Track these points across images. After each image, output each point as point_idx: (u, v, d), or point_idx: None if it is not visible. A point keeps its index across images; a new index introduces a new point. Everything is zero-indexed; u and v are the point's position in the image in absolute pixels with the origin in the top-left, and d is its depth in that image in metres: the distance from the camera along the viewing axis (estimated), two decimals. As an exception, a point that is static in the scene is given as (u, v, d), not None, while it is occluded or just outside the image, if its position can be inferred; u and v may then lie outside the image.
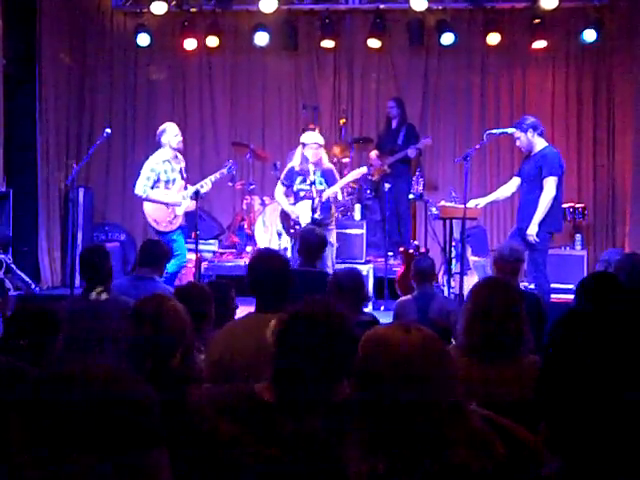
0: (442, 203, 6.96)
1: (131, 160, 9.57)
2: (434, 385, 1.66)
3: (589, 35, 8.82)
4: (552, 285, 6.79)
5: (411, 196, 7.92)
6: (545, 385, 1.42)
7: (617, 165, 9.24)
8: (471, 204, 6.55)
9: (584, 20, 8.99)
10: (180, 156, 7.11)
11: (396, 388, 1.65)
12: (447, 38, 8.99)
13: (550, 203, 6.15)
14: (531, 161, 6.36)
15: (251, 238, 8.53)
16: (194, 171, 7.31)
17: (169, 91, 9.95)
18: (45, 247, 8.69)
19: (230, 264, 8.55)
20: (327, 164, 7.35)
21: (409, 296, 5.21)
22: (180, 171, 7.05)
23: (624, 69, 9.07)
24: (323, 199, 7.04)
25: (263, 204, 8.70)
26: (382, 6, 9.23)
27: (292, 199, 7.41)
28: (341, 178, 8.30)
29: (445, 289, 6.96)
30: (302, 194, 7.27)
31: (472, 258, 7.98)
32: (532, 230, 6.12)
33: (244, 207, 8.93)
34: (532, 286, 6.23)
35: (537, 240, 6.10)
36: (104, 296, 4.05)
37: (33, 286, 7.91)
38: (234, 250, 8.98)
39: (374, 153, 9.02)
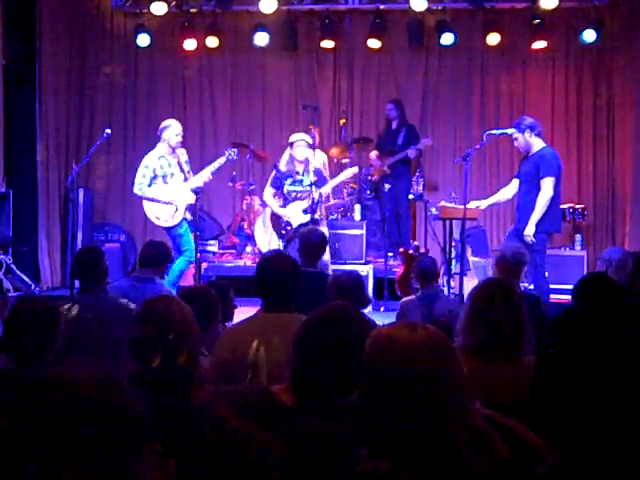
0: (442, 203, 6.96)
1: (131, 160, 9.56)
2: (440, 384, 1.66)
3: (589, 35, 8.82)
4: (552, 286, 6.79)
5: (411, 196, 7.93)
6: (540, 382, 1.43)
7: (617, 165, 9.25)
8: (472, 205, 6.55)
9: (584, 20, 8.99)
10: (181, 150, 7.11)
11: (402, 386, 1.65)
12: (447, 38, 8.99)
13: (548, 203, 6.14)
14: (529, 162, 6.36)
15: (251, 238, 8.53)
16: (194, 171, 7.29)
17: (169, 91, 9.95)
18: (45, 248, 8.70)
19: (230, 264, 8.55)
20: (315, 164, 7.37)
21: (413, 296, 5.21)
22: (179, 164, 7.04)
23: (624, 69, 9.07)
24: (316, 199, 7.06)
25: (263, 205, 8.67)
26: (382, 6, 9.23)
27: (281, 201, 7.42)
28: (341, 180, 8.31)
29: (445, 289, 6.96)
30: (293, 195, 7.28)
31: (472, 259, 7.98)
32: (529, 230, 6.12)
33: (244, 207, 8.93)
34: (531, 287, 6.23)
35: (534, 240, 6.09)
36: (74, 311, 3.99)
37: (33, 287, 7.91)
38: (234, 250, 8.99)
39: (374, 153, 9.02)
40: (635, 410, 1.33)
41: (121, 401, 1.29)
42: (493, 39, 9.08)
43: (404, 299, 5.36)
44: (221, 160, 7.16)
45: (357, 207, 8.84)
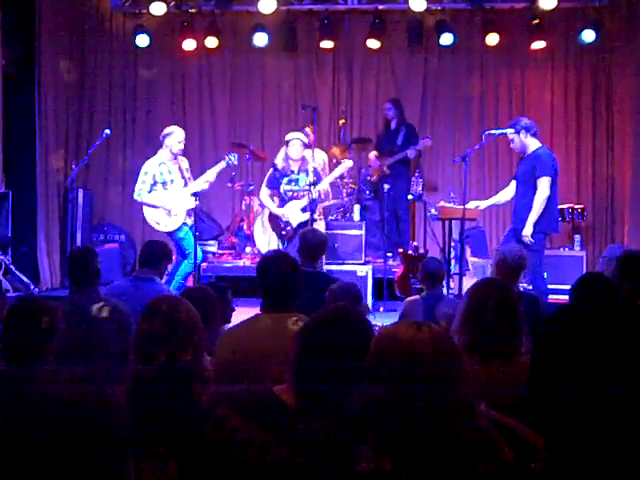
0: (441, 204, 6.96)
1: (130, 161, 9.58)
2: (444, 383, 1.67)
3: (588, 35, 8.81)
4: (551, 286, 6.79)
5: (410, 197, 7.92)
6: (534, 379, 1.43)
7: (616, 166, 9.25)
8: (471, 205, 6.55)
9: (583, 20, 8.99)
10: (181, 156, 7.12)
11: (406, 385, 1.65)
12: (446, 38, 8.99)
13: (544, 203, 6.14)
14: (525, 162, 6.37)
15: (250, 239, 8.53)
16: (193, 172, 7.30)
17: (168, 92, 9.95)
18: (44, 248, 8.69)
19: (229, 265, 8.55)
20: (311, 162, 7.39)
21: (417, 296, 5.23)
22: (180, 170, 7.06)
23: (623, 69, 9.08)
24: (314, 196, 7.07)
25: (262, 205, 8.70)
26: (381, 6, 9.24)
27: (278, 201, 7.43)
28: (340, 181, 8.33)
29: (444, 290, 6.97)
30: (290, 194, 7.28)
31: (471, 259, 7.99)
32: (527, 231, 6.12)
33: (243, 208, 8.93)
34: (530, 287, 6.23)
35: (532, 241, 6.10)
36: (105, 313, 4.00)
37: (32, 287, 7.91)
38: (233, 251, 8.99)
39: (373, 154, 9.02)
40: (630, 409, 1.33)
41: (104, 407, 1.29)
42: (492, 39, 9.08)
43: (408, 299, 5.37)
44: (221, 165, 7.16)
45: (356, 207, 8.84)
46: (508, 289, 2.97)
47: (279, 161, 7.35)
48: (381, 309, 7.34)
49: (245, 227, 8.76)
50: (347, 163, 7.67)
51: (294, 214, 7.26)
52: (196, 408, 2.28)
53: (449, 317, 4.60)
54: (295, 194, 7.26)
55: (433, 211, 7.12)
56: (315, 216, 7.20)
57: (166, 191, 6.98)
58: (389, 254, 8.02)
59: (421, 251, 7.75)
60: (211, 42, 9.36)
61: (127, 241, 9.41)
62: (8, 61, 8.25)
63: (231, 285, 4.18)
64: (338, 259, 7.99)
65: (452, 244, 7.17)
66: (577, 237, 8.70)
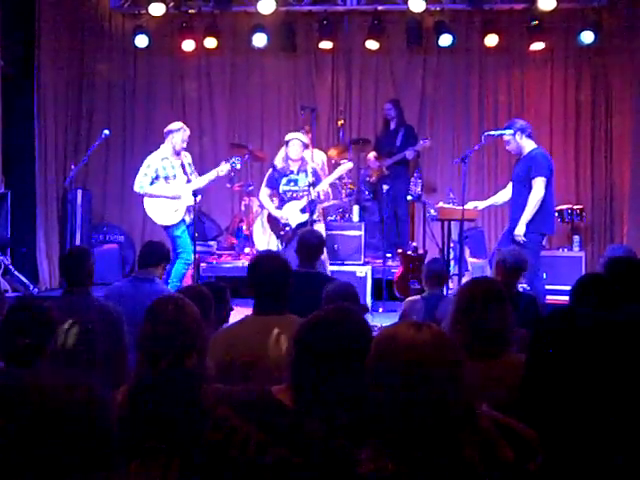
0: (440, 204, 6.97)
1: (129, 161, 9.57)
2: (444, 384, 1.66)
3: (587, 36, 8.81)
4: (550, 287, 6.80)
5: (409, 197, 7.93)
6: (528, 376, 1.44)
7: (615, 167, 9.25)
8: (469, 206, 6.56)
9: (582, 21, 8.99)
10: (185, 152, 7.12)
11: (407, 386, 1.65)
12: (445, 39, 8.99)
13: (538, 203, 6.15)
14: (521, 163, 6.39)
15: (249, 239, 8.53)
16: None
17: (168, 92, 9.95)
18: (43, 248, 8.69)
19: (228, 265, 8.55)
20: (311, 163, 7.39)
21: (418, 296, 5.23)
22: (182, 166, 7.06)
23: (622, 70, 9.08)
24: (313, 197, 7.08)
25: (261, 205, 8.70)
26: (380, 7, 9.23)
27: (277, 201, 7.43)
28: (339, 182, 8.32)
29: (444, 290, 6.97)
30: (289, 195, 7.28)
31: (470, 259, 8.00)
32: (519, 230, 6.14)
33: (242, 208, 8.93)
34: (528, 288, 6.23)
35: (525, 240, 6.10)
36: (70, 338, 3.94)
37: (31, 287, 7.91)
38: (232, 251, 8.99)
39: (372, 155, 9.02)
40: (626, 407, 1.33)
41: (91, 411, 1.27)
42: (491, 40, 9.08)
43: (409, 299, 5.36)
44: (225, 167, 7.15)
45: (355, 208, 8.84)
46: (497, 289, 2.96)
47: (279, 161, 7.36)
48: (380, 310, 7.35)
49: (244, 227, 8.76)
50: (347, 165, 7.67)
51: (293, 215, 7.25)
52: (200, 409, 2.28)
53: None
54: (294, 194, 7.26)
55: (432, 212, 7.13)
56: (314, 217, 7.20)
57: (168, 185, 6.99)
58: (388, 255, 8.03)
59: (420, 252, 7.75)
60: (210, 43, 9.36)
61: (126, 241, 9.40)
62: (7, 62, 8.25)
63: (230, 285, 4.18)
64: (337, 260, 7.99)
65: (451, 245, 7.18)
66: (576, 238, 8.70)
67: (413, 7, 8.74)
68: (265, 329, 3.05)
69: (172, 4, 9.27)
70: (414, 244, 8.09)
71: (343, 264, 7.95)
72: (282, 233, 7.35)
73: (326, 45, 9.42)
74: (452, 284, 6.88)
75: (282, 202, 7.37)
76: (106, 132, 7.10)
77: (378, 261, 8.18)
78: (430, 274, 5.18)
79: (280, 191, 7.33)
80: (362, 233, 8.40)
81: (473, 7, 9.13)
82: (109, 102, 9.84)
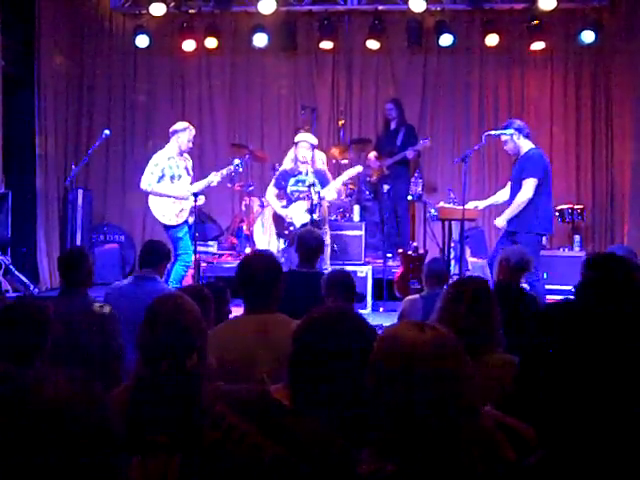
0: (441, 204, 6.97)
1: (130, 161, 9.58)
2: (446, 385, 1.66)
3: (587, 36, 8.81)
4: (550, 287, 6.79)
5: (410, 197, 7.93)
6: (524, 373, 1.43)
7: (615, 166, 9.25)
8: (470, 205, 6.56)
9: (582, 21, 8.99)
10: (186, 154, 7.14)
11: (409, 386, 1.65)
12: (446, 39, 9.00)
13: (523, 204, 6.16)
14: (518, 164, 6.40)
15: (250, 239, 8.53)
16: (193, 172, 7.31)
17: (168, 92, 9.95)
18: (44, 248, 8.69)
19: (229, 265, 8.54)
20: (319, 165, 7.39)
21: (417, 295, 5.22)
22: (186, 168, 7.08)
23: (623, 70, 9.08)
24: (315, 200, 7.07)
25: (262, 205, 8.69)
26: (381, 7, 9.24)
27: (284, 201, 7.43)
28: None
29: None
30: (296, 195, 7.29)
31: (471, 259, 7.99)
32: (499, 222, 6.23)
33: (243, 208, 8.92)
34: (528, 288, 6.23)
35: (501, 227, 6.23)
36: (107, 309, 3.99)
37: (32, 287, 7.91)
38: (233, 252, 8.99)
39: (372, 155, 9.02)
40: (624, 405, 1.33)
41: (89, 413, 1.27)
42: (492, 40, 9.09)
43: (408, 298, 5.35)
44: (229, 168, 7.17)
45: (356, 208, 8.84)
46: (482, 288, 2.96)
47: (287, 162, 7.36)
48: (381, 309, 7.35)
49: (245, 228, 8.76)
50: (357, 168, 7.64)
51: (299, 215, 7.25)
52: (199, 409, 2.27)
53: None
54: (301, 195, 7.26)
55: (433, 211, 7.13)
56: (315, 217, 7.18)
57: (173, 185, 7.00)
58: (389, 255, 8.03)
59: (421, 251, 7.75)
60: (211, 43, 9.37)
61: (127, 241, 9.41)
62: (8, 61, 8.25)
63: (230, 285, 4.17)
64: (338, 260, 7.98)
65: (452, 244, 7.18)
66: (577, 237, 8.70)
67: (414, 7, 8.74)
68: (255, 328, 3.03)
69: (172, 4, 9.28)
70: (414, 244, 8.09)
71: (343, 264, 7.94)
72: (286, 232, 7.36)
73: (327, 45, 9.42)
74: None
75: (289, 202, 7.38)
76: (106, 132, 7.09)
77: (379, 261, 8.18)
78: (430, 274, 5.17)
79: (288, 191, 7.34)
80: (363, 233, 8.40)
81: (473, 7, 9.13)
82: (109, 102, 9.84)
